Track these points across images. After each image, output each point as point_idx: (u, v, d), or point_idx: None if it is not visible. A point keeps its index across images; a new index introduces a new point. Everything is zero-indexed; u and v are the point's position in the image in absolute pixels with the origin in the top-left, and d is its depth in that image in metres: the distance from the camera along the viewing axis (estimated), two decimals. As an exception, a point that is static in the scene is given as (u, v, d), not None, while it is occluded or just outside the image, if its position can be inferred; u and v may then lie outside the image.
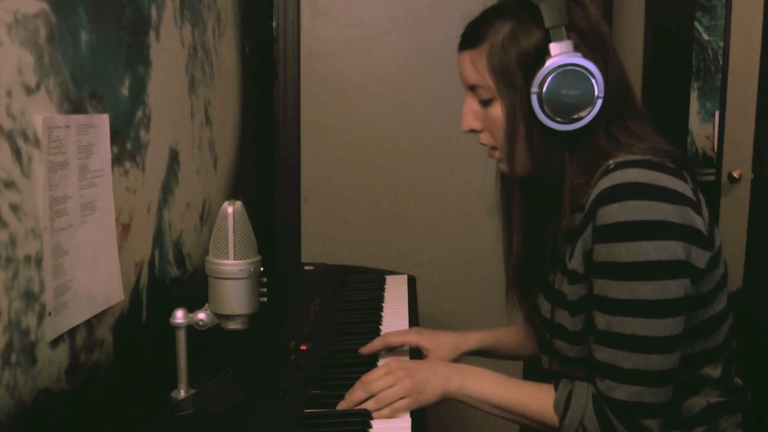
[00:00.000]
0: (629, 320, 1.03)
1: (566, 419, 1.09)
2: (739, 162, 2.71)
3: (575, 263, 1.09)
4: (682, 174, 1.08)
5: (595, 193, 1.06)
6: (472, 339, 1.43)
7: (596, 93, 1.08)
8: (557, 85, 1.07)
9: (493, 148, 1.19)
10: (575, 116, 1.09)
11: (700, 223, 1.05)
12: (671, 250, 1.02)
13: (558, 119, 1.09)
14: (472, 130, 1.19)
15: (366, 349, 1.40)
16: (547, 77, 1.07)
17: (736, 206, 2.72)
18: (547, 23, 1.07)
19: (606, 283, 1.05)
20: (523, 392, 1.16)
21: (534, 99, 1.08)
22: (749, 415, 1.18)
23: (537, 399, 1.14)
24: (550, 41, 1.08)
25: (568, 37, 1.08)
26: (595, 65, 1.08)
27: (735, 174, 2.70)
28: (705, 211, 1.08)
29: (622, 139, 1.11)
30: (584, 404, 1.08)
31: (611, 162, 1.09)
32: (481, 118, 1.17)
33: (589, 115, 1.09)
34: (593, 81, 1.08)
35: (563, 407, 1.10)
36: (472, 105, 1.18)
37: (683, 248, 1.02)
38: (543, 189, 1.18)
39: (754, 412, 1.21)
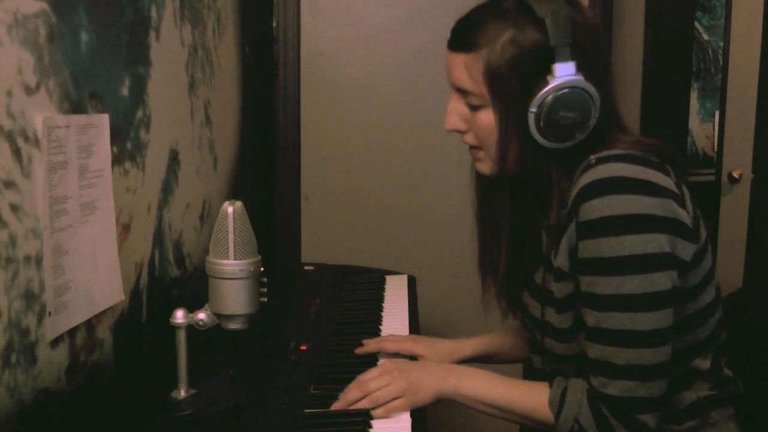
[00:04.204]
0: (618, 315, 1.03)
1: (561, 416, 1.09)
2: (739, 162, 2.70)
3: (560, 261, 1.09)
4: (664, 167, 1.08)
5: (576, 188, 1.05)
6: (468, 346, 1.43)
7: (593, 115, 1.08)
8: (556, 107, 1.06)
9: (475, 147, 1.17)
10: (569, 136, 1.08)
11: (684, 215, 1.04)
12: (656, 242, 1.01)
13: (552, 138, 1.08)
14: (456, 130, 1.18)
15: (362, 350, 1.40)
16: (548, 99, 1.06)
17: (736, 206, 2.72)
18: (553, 41, 1.05)
19: (593, 280, 1.05)
20: (518, 390, 1.16)
21: (532, 118, 1.07)
22: (743, 409, 1.18)
23: (532, 397, 1.14)
24: (552, 57, 1.05)
25: (572, 58, 1.06)
26: (595, 88, 1.07)
27: (735, 174, 2.70)
28: (689, 204, 1.08)
29: (606, 140, 1.11)
30: (579, 401, 1.08)
31: (592, 157, 1.07)
32: (467, 120, 1.16)
33: (582, 135, 1.08)
34: (592, 104, 1.07)
35: (558, 404, 1.10)
36: (458, 106, 1.16)
37: (668, 240, 1.02)
38: (528, 189, 1.17)
39: (752, 409, 1.21)
